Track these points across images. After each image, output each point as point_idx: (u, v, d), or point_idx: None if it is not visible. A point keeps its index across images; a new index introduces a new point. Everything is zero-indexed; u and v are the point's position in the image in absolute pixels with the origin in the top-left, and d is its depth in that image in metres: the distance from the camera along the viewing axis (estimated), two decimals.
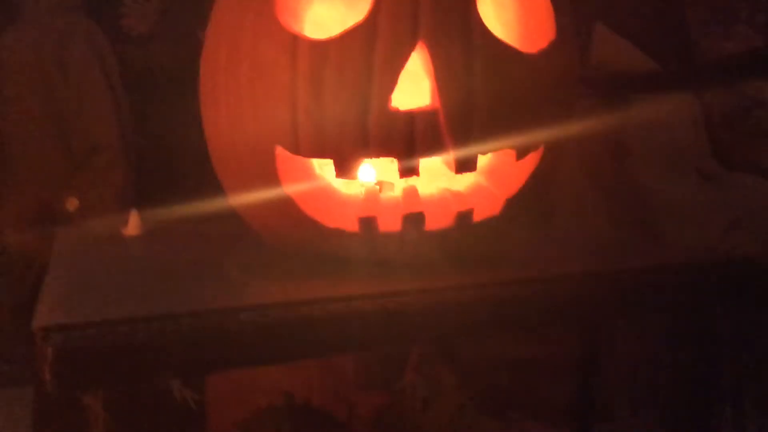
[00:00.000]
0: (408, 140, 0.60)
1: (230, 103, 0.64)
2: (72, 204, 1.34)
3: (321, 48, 0.59)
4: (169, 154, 1.66)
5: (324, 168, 0.64)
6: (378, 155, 0.60)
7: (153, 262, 0.73)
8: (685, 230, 1.03)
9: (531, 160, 0.65)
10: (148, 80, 1.65)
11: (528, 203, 0.67)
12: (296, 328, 0.53)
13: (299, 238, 0.67)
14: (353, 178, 0.61)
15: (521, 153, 0.64)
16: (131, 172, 1.37)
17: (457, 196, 0.64)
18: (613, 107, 1.16)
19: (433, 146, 0.60)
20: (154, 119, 1.60)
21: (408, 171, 0.61)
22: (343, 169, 0.61)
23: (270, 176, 0.63)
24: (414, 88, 0.60)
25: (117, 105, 1.39)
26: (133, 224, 0.95)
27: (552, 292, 0.62)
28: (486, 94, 0.60)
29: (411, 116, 0.59)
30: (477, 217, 0.64)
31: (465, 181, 0.64)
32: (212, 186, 1.57)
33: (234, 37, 0.64)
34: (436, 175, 0.64)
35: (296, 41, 0.60)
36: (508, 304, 0.60)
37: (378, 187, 0.65)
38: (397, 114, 0.59)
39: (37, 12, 1.36)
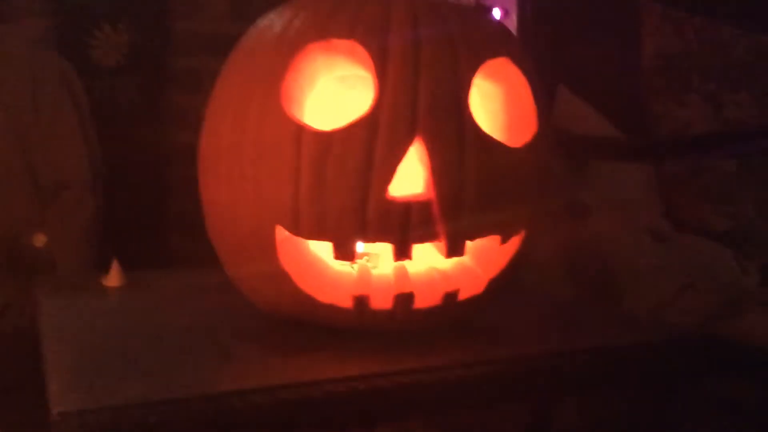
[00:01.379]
0: (403, 227, 0.64)
1: (233, 181, 0.67)
2: (39, 240, 1.34)
3: (325, 139, 0.63)
4: (138, 189, 1.67)
5: (320, 246, 0.67)
6: (375, 240, 0.64)
7: (145, 325, 0.75)
8: (640, 292, 1.10)
9: (514, 243, 0.70)
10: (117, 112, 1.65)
11: (508, 282, 0.72)
12: (303, 407, 0.57)
13: (293, 310, 0.70)
14: (351, 260, 0.65)
15: (506, 238, 0.69)
16: (100, 207, 1.38)
17: (444, 276, 0.68)
18: (573, 168, 1.23)
19: (427, 233, 0.64)
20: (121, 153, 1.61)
21: (401, 255, 0.65)
22: (342, 252, 0.65)
23: (268, 253, 0.67)
24: (409, 176, 0.65)
25: (87, 141, 1.40)
26: (114, 275, 0.96)
27: (511, 371, 0.66)
28: (476, 186, 0.65)
29: (407, 206, 0.63)
30: (462, 296, 0.69)
31: (452, 261, 0.69)
32: (185, 232, 1.57)
33: (239, 119, 0.67)
34: (424, 254, 0.68)
35: (301, 131, 0.64)
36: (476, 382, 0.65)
37: (368, 261, 0.69)
38: (394, 203, 0.63)
39: (10, 47, 1.36)
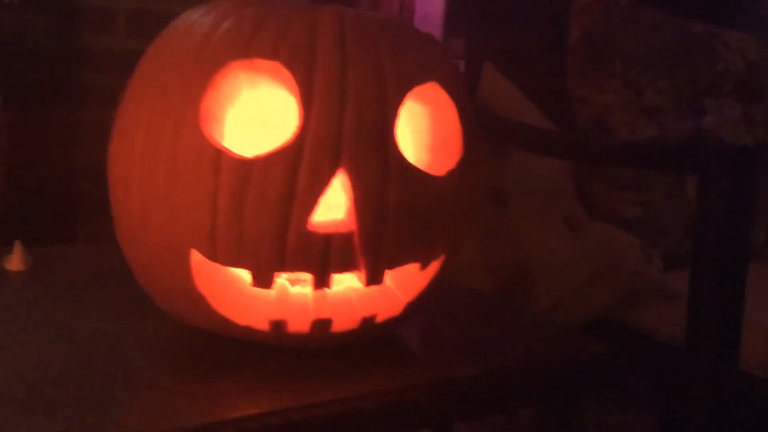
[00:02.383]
0: (323, 259, 0.63)
1: (144, 197, 0.64)
2: None
3: (245, 166, 0.61)
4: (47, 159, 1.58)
5: (238, 270, 0.66)
6: (294, 270, 0.63)
7: (47, 329, 0.73)
8: (551, 282, 1.13)
9: (433, 268, 0.70)
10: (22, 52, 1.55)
11: (426, 303, 0.72)
12: None
13: (207, 327, 0.69)
14: (269, 288, 0.64)
15: (425, 264, 0.69)
16: (2, 166, 1.31)
17: (362, 300, 0.68)
18: (494, 152, 1.23)
19: (347, 264, 0.64)
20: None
21: (321, 285, 0.64)
22: (260, 280, 0.63)
23: (182, 274, 0.65)
24: (329, 205, 0.63)
25: None
26: (17, 258, 0.92)
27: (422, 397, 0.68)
28: (398, 218, 0.64)
29: (328, 237, 0.62)
30: (379, 319, 0.69)
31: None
32: (95, 182, 1.52)
33: (153, 132, 0.63)
34: (342, 278, 0.68)
35: (220, 155, 0.61)
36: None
37: (287, 283, 0.68)
38: (315, 235, 0.62)
39: None
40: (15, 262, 0.91)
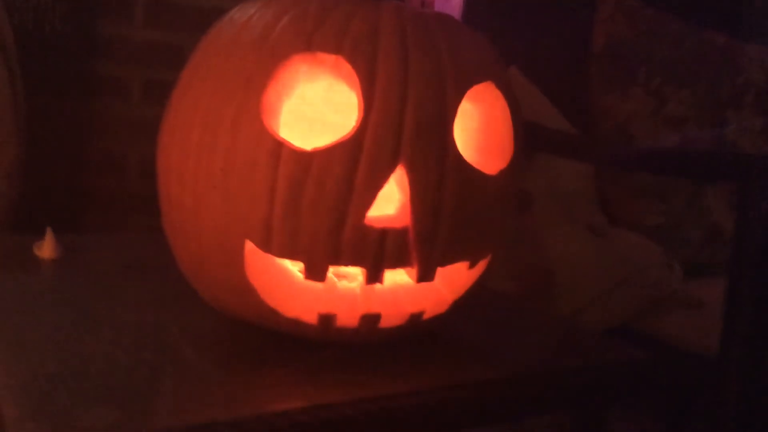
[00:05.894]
0: (377, 254, 0.63)
1: (199, 187, 0.64)
2: None
3: (305, 158, 0.61)
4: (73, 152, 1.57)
5: (289, 262, 0.65)
6: (348, 264, 0.63)
7: (89, 321, 0.72)
8: (575, 288, 1.14)
9: (480, 267, 0.71)
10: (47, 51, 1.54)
11: (471, 302, 0.73)
12: None
13: (255, 320, 0.69)
14: (322, 281, 0.64)
15: (474, 263, 0.69)
16: (22, 154, 1.30)
17: (410, 296, 0.68)
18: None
19: (400, 260, 0.64)
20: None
21: (373, 280, 0.64)
22: (313, 273, 0.63)
23: (234, 265, 0.64)
24: (384, 200, 0.63)
25: (11, 79, 1.30)
26: (48, 245, 0.92)
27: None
28: (452, 215, 0.64)
29: (383, 232, 0.62)
30: (427, 316, 0.69)
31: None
32: (121, 195, 1.51)
33: (211, 123, 0.63)
34: (392, 274, 0.68)
35: (280, 147, 0.61)
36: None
37: (336, 276, 0.68)
38: (371, 229, 0.62)
39: None
40: (47, 249, 0.91)
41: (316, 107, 0.65)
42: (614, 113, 1.31)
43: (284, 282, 0.66)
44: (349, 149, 0.61)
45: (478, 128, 0.69)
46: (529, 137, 1.23)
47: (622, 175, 1.29)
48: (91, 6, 1.62)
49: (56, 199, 1.53)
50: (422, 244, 0.63)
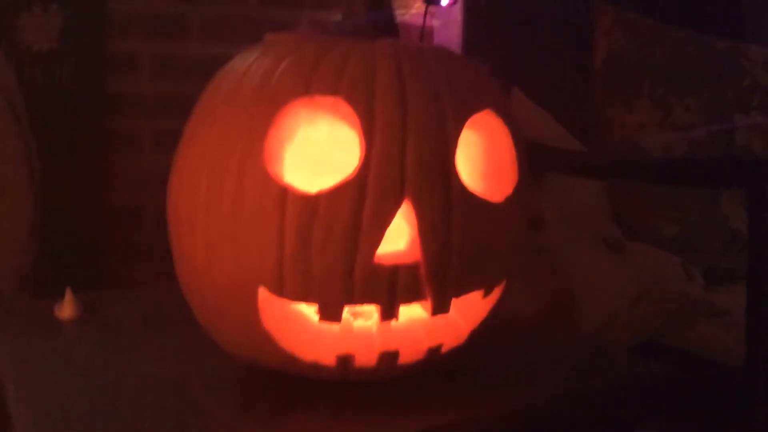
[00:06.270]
0: (390, 290, 0.63)
1: (210, 238, 0.65)
2: None
3: (311, 201, 0.61)
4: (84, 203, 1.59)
5: (304, 306, 0.66)
6: (361, 303, 0.63)
7: (110, 373, 0.72)
8: (595, 304, 1.13)
9: (495, 294, 0.70)
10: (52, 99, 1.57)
11: (488, 332, 0.72)
12: None
13: (273, 365, 0.69)
14: (337, 322, 0.64)
15: (488, 291, 0.69)
16: (38, 216, 1.31)
17: (427, 330, 0.68)
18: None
19: (414, 295, 0.64)
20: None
21: (388, 316, 0.64)
22: (328, 314, 0.63)
23: (250, 313, 0.65)
24: (393, 235, 0.63)
25: (21, 136, 1.32)
26: (68, 305, 0.92)
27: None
28: (462, 246, 0.64)
29: (394, 268, 0.62)
30: (445, 349, 0.69)
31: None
32: (135, 246, 1.51)
33: (217, 175, 0.64)
34: (407, 309, 0.68)
35: (285, 192, 0.61)
36: None
37: (351, 316, 0.68)
38: (382, 267, 0.62)
39: None
40: (67, 309, 0.92)
41: (321, 147, 0.66)
42: (621, 126, 1.30)
43: (300, 326, 0.66)
44: (353, 189, 0.61)
45: (481, 156, 0.69)
46: (537, 158, 1.24)
47: (635, 188, 1.29)
48: (98, 63, 1.65)
49: (76, 256, 1.55)
50: (434, 277, 0.63)
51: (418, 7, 1.79)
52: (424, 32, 1.76)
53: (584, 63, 1.38)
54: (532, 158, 1.24)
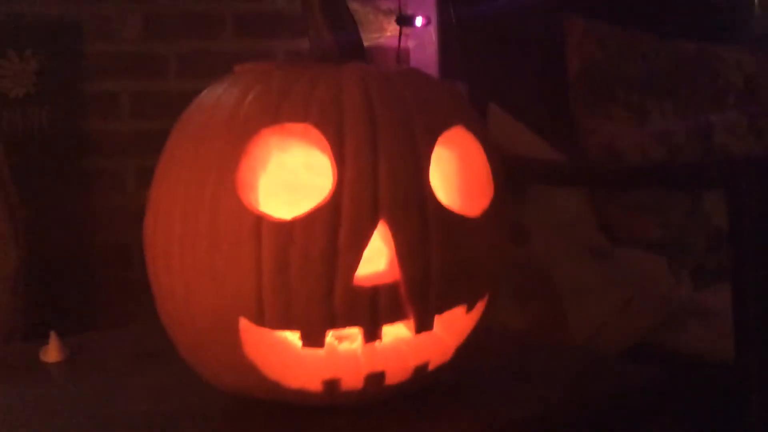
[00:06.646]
0: (372, 312, 0.63)
1: (187, 274, 0.64)
2: None
3: (286, 228, 0.61)
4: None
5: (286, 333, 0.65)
6: (344, 326, 0.63)
7: (101, 416, 0.72)
8: (584, 312, 1.13)
9: (479, 309, 0.70)
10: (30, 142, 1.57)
11: (477, 347, 0.72)
12: None
13: (259, 395, 0.68)
14: (320, 347, 0.64)
15: (471, 305, 0.69)
16: (24, 258, 1.31)
17: (412, 349, 0.68)
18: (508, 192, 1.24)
19: (396, 314, 0.64)
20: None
21: (371, 337, 0.64)
22: (310, 340, 0.63)
23: (232, 344, 0.64)
24: (371, 257, 0.63)
25: (3, 188, 1.32)
26: (53, 349, 0.92)
27: None
28: (442, 263, 0.64)
29: (374, 290, 0.62)
30: (432, 366, 0.69)
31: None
32: (121, 283, 1.51)
33: (191, 208, 0.64)
34: (391, 329, 0.67)
35: (260, 221, 0.61)
36: None
37: (336, 340, 0.68)
38: (362, 289, 0.62)
39: None
40: (52, 353, 0.91)
41: (297, 173, 0.66)
42: (599, 134, 1.31)
43: (284, 353, 0.66)
44: (328, 212, 0.61)
45: (455, 173, 0.70)
46: (517, 171, 1.24)
47: (617, 194, 1.29)
48: (76, 104, 1.65)
49: (64, 299, 1.54)
50: (415, 296, 0.63)
51: (392, 30, 1.81)
52: (400, 54, 1.78)
53: (559, 76, 1.39)
54: (513, 172, 1.25)
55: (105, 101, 1.69)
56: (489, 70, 1.39)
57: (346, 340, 0.67)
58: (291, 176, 0.66)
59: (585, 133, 1.33)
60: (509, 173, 1.23)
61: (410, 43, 1.81)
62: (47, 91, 1.62)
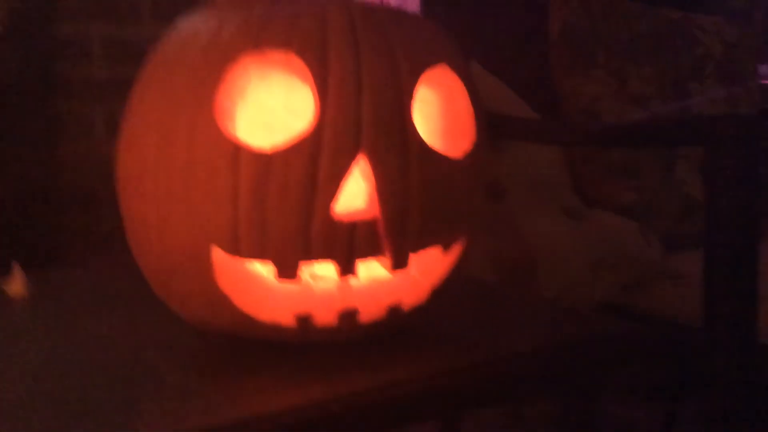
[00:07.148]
0: (348, 246, 0.62)
1: (160, 200, 0.63)
2: None
3: (265, 159, 0.60)
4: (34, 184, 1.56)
5: (260, 264, 0.64)
6: (319, 259, 0.62)
7: (66, 350, 0.70)
8: (556, 271, 1.13)
9: (455, 251, 0.70)
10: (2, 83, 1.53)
11: (450, 290, 0.72)
12: None
13: (231, 329, 0.67)
14: (294, 279, 0.63)
15: (447, 247, 0.68)
16: None
17: (387, 288, 0.67)
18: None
19: (372, 250, 0.63)
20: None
21: (346, 271, 0.63)
22: (284, 272, 0.62)
23: (204, 274, 0.63)
24: (350, 191, 0.62)
25: None
26: (17, 282, 0.90)
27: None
28: (420, 201, 0.63)
29: (352, 225, 0.62)
30: (406, 307, 0.68)
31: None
32: (85, 223, 1.49)
33: (165, 134, 0.62)
34: (366, 267, 0.67)
35: (239, 150, 0.60)
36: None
37: (310, 276, 0.67)
38: (339, 223, 0.61)
39: None
40: (16, 285, 0.89)
41: (276, 114, 0.64)
42: (578, 97, 1.31)
43: (257, 286, 0.65)
44: (308, 144, 0.60)
45: (438, 113, 0.69)
46: (495, 128, 1.24)
47: (592, 156, 1.30)
48: (48, 49, 1.61)
49: (28, 237, 1.51)
50: (392, 233, 0.63)
51: None
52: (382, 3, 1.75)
53: (541, 35, 1.38)
54: (491, 128, 1.24)
55: (77, 45, 1.64)
56: (471, 26, 1.38)
57: (321, 281, 0.67)
58: (269, 117, 0.64)
59: (564, 94, 1.33)
60: (489, 129, 1.23)
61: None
62: (18, 33, 1.57)
